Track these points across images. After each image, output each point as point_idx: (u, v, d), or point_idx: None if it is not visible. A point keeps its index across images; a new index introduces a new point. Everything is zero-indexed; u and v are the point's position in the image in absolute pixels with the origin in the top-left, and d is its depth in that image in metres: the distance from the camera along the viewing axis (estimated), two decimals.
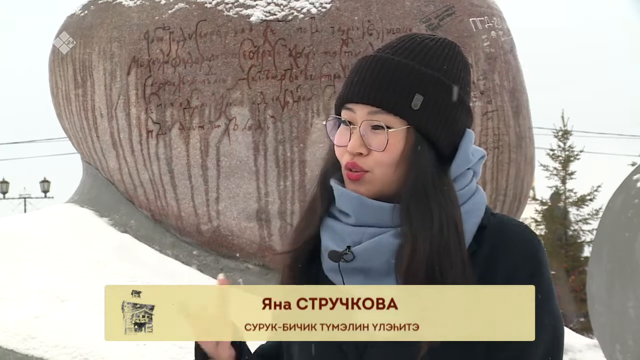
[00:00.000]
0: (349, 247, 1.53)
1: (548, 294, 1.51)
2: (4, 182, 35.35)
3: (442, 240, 1.48)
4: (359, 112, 1.55)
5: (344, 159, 1.56)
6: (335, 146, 1.59)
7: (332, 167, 1.62)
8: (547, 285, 1.52)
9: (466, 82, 1.60)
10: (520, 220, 1.75)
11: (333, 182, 1.60)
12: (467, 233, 1.53)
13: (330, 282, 1.56)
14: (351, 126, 1.55)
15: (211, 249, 6.89)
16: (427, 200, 1.50)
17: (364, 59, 1.59)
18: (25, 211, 33.58)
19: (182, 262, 6.78)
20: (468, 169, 1.60)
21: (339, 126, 1.59)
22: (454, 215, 1.51)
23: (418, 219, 1.49)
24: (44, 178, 35.47)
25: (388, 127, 1.52)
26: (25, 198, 36.60)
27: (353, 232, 1.54)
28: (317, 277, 1.58)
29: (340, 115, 1.58)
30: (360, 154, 1.54)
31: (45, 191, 35.23)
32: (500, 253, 1.52)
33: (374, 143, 1.53)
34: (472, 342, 1.46)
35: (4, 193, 35.44)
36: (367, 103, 1.54)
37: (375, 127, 1.53)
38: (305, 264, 1.60)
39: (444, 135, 1.55)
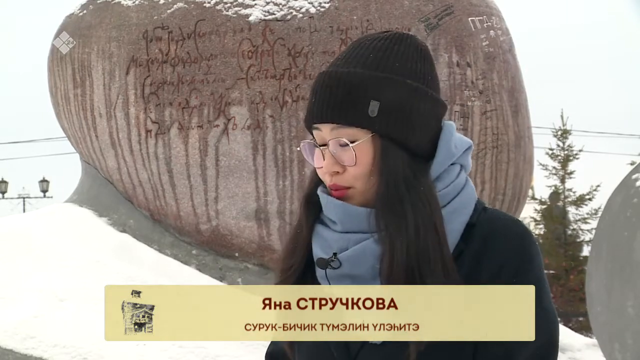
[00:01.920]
0: (335, 254, 1.53)
1: (540, 288, 1.48)
2: (3, 181, 35.36)
3: (419, 243, 1.46)
4: (325, 131, 1.55)
5: (325, 180, 1.57)
6: (317, 169, 1.60)
7: (315, 188, 1.62)
8: (536, 281, 1.49)
9: (426, 73, 1.57)
10: (520, 219, 1.71)
11: (320, 191, 1.60)
12: (455, 232, 1.51)
13: None
14: (322, 147, 1.56)
15: (210, 248, 6.89)
16: (400, 204, 1.49)
17: (319, 76, 1.59)
18: (24, 211, 33.60)
19: (181, 262, 6.78)
20: (453, 164, 1.58)
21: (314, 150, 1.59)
22: (432, 217, 1.48)
23: (393, 224, 1.48)
24: (43, 178, 35.49)
25: (352, 141, 1.52)
26: (24, 198, 36.62)
27: (339, 238, 1.54)
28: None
29: (312, 135, 1.59)
30: (337, 172, 1.54)
31: (44, 191, 35.24)
32: (487, 249, 1.50)
33: (345, 159, 1.53)
34: (463, 345, 1.46)
35: (3, 193, 35.44)
36: (327, 121, 1.54)
37: (343, 144, 1.53)
38: (298, 280, 1.60)
39: (412, 134, 1.53)
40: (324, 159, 1.55)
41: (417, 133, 1.53)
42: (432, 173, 1.54)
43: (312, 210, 1.61)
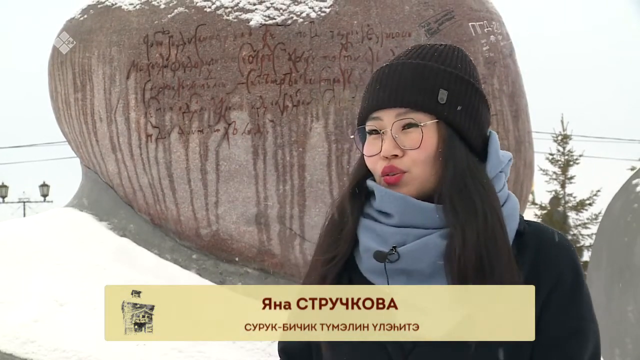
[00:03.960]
0: (394, 247, 1.52)
1: (587, 302, 1.53)
2: (3, 186, 35.36)
3: (487, 230, 1.48)
4: (387, 118, 1.56)
5: (378, 166, 1.57)
6: (366, 158, 1.59)
7: (361, 179, 1.62)
8: (586, 293, 1.54)
9: (479, 81, 1.64)
10: None
11: (374, 184, 1.59)
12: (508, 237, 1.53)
13: (367, 284, 1.55)
14: (381, 132, 1.56)
15: (210, 253, 6.89)
16: (467, 191, 1.51)
17: (382, 68, 1.61)
18: (24, 215, 33.62)
19: (181, 267, 6.78)
20: (500, 171, 1.60)
21: (365, 138, 1.60)
22: (494, 206, 1.51)
23: (462, 210, 1.49)
24: (43, 182, 35.53)
25: (422, 126, 1.54)
26: (24, 202, 36.64)
27: (396, 233, 1.53)
28: (349, 281, 1.58)
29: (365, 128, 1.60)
30: (396, 155, 1.54)
31: (45, 195, 35.26)
32: (542, 260, 1.52)
33: (408, 142, 1.54)
34: (518, 345, 1.47)
35: (3, 197, 35.45)
36: (394, 106, 1.55)
37: (406, 127, 1.55)
38: (338, 277, 1.59)
39: (473, 128, 1.57)
40: (381, 146, 1.55)
41: (476, 129, 1.58)
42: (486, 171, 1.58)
43: (357, 202, 1.61)
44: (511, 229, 1.53)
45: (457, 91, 1.56)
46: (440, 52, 1.61)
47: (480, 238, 1.47)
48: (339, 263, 1.59)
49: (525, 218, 1.61)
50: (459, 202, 1.50)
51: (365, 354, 1.54)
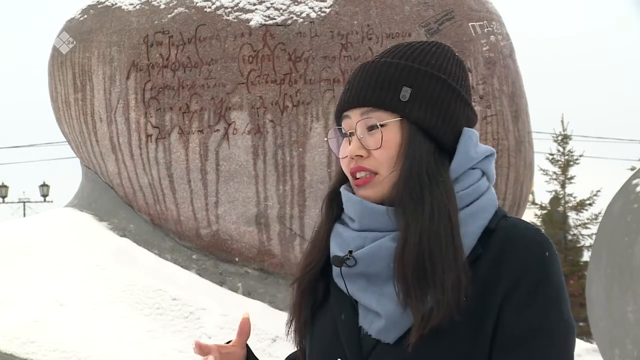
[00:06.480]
0: (350, 251, 1.53)
1: (556, 300, 1.48)
2: (3, 186, 35.37)
3: (432, 227, 1.47)
4: (354, 117, 1.57)
5: (349, 168, 1.57)
6: (340, 160, 1.60)
7: (338, 186, 1.63)
8: (556, 290, 1.49)
9: (460, 77, 1.60)
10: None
11: (342, 189, 1.61)
12: (472, 235, 1.50)
13: (338, 288, 1.57)
14: (350, 134, 1.57)
15: (210, 253, 6.89)
16: (420, 190, 1.50)
17: (355, 69, 1.62)
18: (24, 215, 33.64)
19: (181, 267, 6.78)
20: (473, 168, 1.59)
21: (341, 141, 1.61)
22: (447, 206, 1.49)
23: (410, 210, 1.49)
24: (43, 182, 35.55)
25: (381, 125, 1.53)
26: (24, 202, 36.66)
27: (357, 237, 1.54)
28: (327, 286, 1.60)
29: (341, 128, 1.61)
30: (361, 156, 1.54)
31: (45, 195, 35.29)
32: (506, 255, 1.49)
33: (371, 142, 1.54)
34: (477, 344, 1.46)
35: (3, 197, 35.46)
36: (358, 105, 1.56)
37: (371, 128, 1.55)
38: (313, 282, 1.61)
39: (440, 124, 1.54)
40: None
41: (445, 125, 1.55)
42: (451, 174, 1.55)
43: (333, 209, 1.63)
44: (478, 225, 1.51)
45: (424, 88, 1.54)
46: (414, 49, 1.59)
47: (422, 237, 1.46)
48: (313, 270, 1.61)
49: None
50: (408, 203, 1.49)
51: (327, 354, 1.56)
